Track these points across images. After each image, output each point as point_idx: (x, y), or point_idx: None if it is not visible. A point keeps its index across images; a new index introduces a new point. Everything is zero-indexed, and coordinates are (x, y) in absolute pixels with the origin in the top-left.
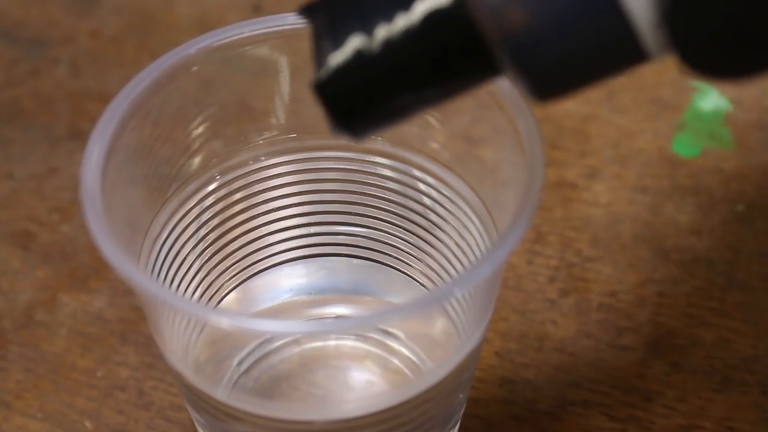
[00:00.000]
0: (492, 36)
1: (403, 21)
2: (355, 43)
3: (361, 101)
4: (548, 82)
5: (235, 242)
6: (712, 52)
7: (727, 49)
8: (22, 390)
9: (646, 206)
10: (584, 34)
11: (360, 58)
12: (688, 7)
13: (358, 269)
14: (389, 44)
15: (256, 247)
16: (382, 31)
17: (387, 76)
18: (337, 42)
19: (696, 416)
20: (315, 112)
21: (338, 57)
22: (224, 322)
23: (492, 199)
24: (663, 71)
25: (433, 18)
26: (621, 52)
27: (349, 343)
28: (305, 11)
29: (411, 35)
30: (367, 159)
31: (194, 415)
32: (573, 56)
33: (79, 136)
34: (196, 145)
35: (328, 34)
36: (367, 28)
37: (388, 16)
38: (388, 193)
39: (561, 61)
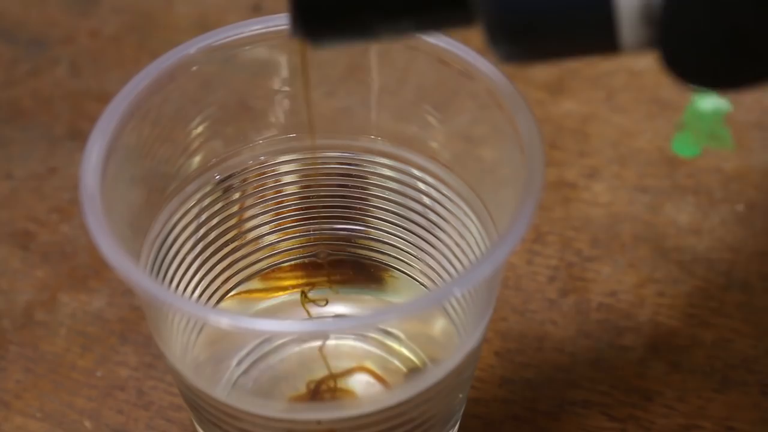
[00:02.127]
0: None
1: None
2: None
3: (329, 5)
4: (514, 40)
5: (234, 242)
6: (701, 59)
7: (719, 57)
8: (21, 390)
9: (645, 206)
10: (561, 3)
11: None
12: (681, 6)
13: (358, 269)
14: None
15: (256, 247)
16: None
17: None
18: None
19: (696, 416)
20: (314, 112)
21: None
22: (224, 322)
23: (492, 199)
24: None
25: None
26: (595, 33)
27: (349, 342)
28: None
29: None
30: (367, 159)
31: (194, 415)
32: (544, 22)
33: (79, 136)
34: (195, 145)
35: None
36: None
37: None
38: (388, 193)
39: (531, 23)
